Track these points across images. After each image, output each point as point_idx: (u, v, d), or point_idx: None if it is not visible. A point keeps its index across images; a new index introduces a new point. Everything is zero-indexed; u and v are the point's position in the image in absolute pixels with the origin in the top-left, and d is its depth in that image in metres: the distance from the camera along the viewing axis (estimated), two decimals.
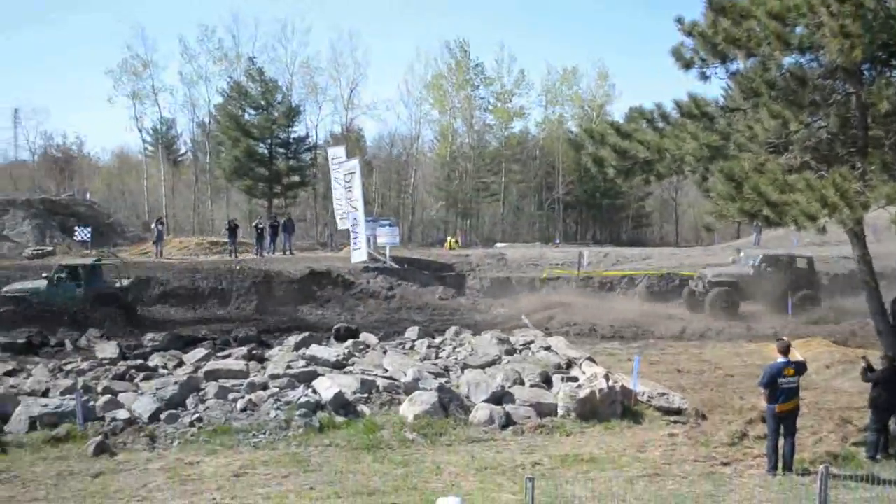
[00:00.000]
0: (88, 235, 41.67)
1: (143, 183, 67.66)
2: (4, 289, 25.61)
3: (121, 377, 15.70)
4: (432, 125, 71.93)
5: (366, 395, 14.38)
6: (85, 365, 17.06)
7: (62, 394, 13.96)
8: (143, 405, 13.38)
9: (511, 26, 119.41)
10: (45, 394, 14.27)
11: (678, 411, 14.07)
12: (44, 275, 26.34)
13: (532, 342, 19.81)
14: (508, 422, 13.41)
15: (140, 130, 67.40)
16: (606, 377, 14.59)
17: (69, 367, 16.96)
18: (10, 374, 16.12)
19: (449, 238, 49.06)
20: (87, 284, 25.46)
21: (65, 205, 50.58)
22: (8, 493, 10.16)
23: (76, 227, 43.31)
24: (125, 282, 26.91)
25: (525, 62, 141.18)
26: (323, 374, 15.57)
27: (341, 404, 13.71)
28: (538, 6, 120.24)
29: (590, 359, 17.41)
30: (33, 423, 12.59)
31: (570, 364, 17.19)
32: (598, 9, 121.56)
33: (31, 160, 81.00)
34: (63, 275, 25.71)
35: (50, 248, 40.60)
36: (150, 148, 70.56)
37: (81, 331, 22.89)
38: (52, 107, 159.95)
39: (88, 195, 60.25)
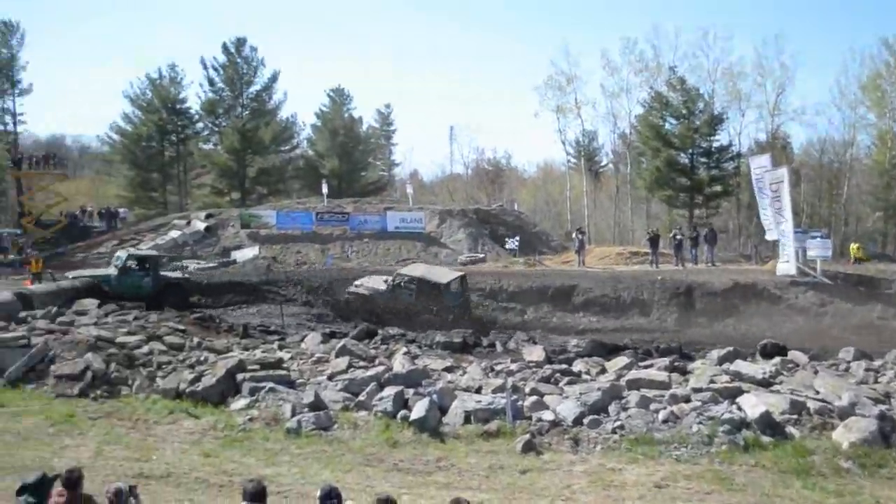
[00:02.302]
0: (516, 244, 44.25)
1: (566, 194, 70.22)
2: (72, 274, 28.73)
3: (546, 380, 16.24)
4: (869, 129, 65.42)
5: (795, 417, 13.43)
6: (514, 366, 17.82)
7: (493, 392, 14.79)
8: (567, 408, 13.73)
9: None
10: (478, 391, 15.20)
11: None
12: (114, 264, 28.91)
13: None
14: None
15: (563, 143, 70.82)
16: None
17: (499, 367, 17.81)
18: (448, 370, 17.34)
19: (853, 245, 44.07)
20: (153, 275, 28.09)
21: (495, 215, 54.22)
22: (445, 480, 11.01)
23: (507, 238, 46.28)
24: (178, 274, 30.41)
25: None
26: (748, 391, 14.75)
27: (768, 424, 12.92)
28: None
29: None
30: (468, 417, 13.50)
31: None
32: None
33: (464, 174, 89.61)
34: (132, 264, 28.34)
35: (481, 256, 43.58)
36: (573, 160, 73.51)
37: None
38: (484, 124, 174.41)
39: (516, 206, 64.12)
